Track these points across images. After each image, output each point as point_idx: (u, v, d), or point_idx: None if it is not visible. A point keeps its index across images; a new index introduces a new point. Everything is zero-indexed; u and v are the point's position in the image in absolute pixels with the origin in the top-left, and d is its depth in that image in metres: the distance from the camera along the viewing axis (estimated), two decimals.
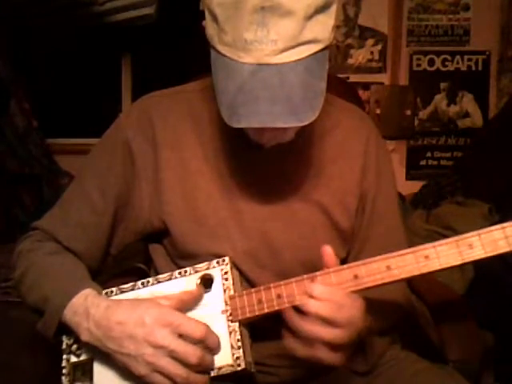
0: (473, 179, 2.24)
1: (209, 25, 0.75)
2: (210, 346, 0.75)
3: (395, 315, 0.92)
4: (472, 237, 0.73)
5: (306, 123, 0.70)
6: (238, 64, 0.70)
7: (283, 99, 0.69)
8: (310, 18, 0.70)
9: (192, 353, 0.72)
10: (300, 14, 0.69)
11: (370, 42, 2.72)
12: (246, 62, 0.70)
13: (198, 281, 0.81)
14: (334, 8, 0.73)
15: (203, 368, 0.74)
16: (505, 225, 0.72)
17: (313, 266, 0.84)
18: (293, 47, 0.70)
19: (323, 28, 0.72)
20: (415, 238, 1.93)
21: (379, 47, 2.72)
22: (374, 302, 0.86)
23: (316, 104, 0.70)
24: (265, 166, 0.88)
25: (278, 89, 0.69)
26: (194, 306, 0.78)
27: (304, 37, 0.70)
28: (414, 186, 2.49)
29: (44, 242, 0.89)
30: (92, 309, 0.76)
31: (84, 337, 0.77)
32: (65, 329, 0.80)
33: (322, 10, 0.71)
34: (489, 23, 2.67)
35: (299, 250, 0.87)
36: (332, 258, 0.76)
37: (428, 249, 0.74)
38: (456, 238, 0.73)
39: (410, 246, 0.78)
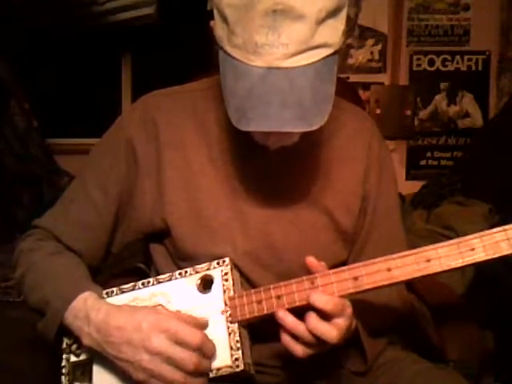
0: (473, 179, 2.24)
1: (218, 25, 0.74)
2: (205, 353, 0.75)
3: (391, 317, 0.92)
4: (473, 239, 0.72)
5: (316, 128, 0.69)
6: (247, 67, 0.70)
7: (293, 104, 0.68)
8: (321, 22, 0.70)
9: (189, 359, 0.72)
10: (311, 18, 0.68)
11: (370, 42, 2.72)
12: (256, 66, 0.69)
13: (198, 281, 0.81)
14: (344, 13, 0.73)
15: (200, 374, 0.74)
16: (506, 227, 0.72)
17: None
18: (303, 51, 0.69)
19: (333, 32, 0.72)
20: (415, 238, 1.93)
21: (379, 47, 2.72)
22: (369, 303, 0.87)
23: (325, 108, 0.70)
24: (269, 167, 0.88)
25: (288, 93, 0.69)
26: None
27: (315, 41, 0.69)
28: (414, 186, 2.49)
29: (45, 241, 0.89)
30: (92, 313, 0.77)
31: (85, 341, 0.77)
32: (65, 330, 0.80)
33: (332, 14, 0.71)
34: (489, 23, 2.67)
35: (301, 252, 0.86)
36: (319, 266, 0.77)
37: (429, 251, 0.74)
38: (457, 240, 0.73)
39: (409, 247, 0.77)
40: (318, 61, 0.70)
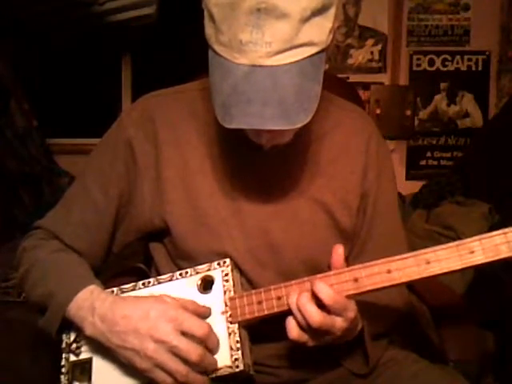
0: (473, 179, 2.24)
1: (206, 24, 0.75)
2: (209, 346, 0.75)
3: (392, 319, 0.92)
4: (473, 241, 0.73)
5: (298, 126, 0.70)
6: (232, 65, 0.70)
7: (275, 102, 0.69)
8: (306, 20, 0.69)
9: (193, 350, 0.72)
10: (295, 16, 0.68)
11: (370, 42, 2.72)
12: (240, 63, 0.70)
13: (199, 282, 0.81)
14: (332, 11, 0.73)
15: (203, 367, 0.74)
16: (506, 230, 0.72)
17: (314, 264, 0.84)
18: (287, 50, 0.69)
19: (320, 31, 0.72)
20: (415, 238, 1.93)
21: (379, 47, 2.72)
22: (370, 304, 0.87)
23: (309, 107, 0.70)
24: (266, 165, 0.88)
25: (271, 91, 0.69)
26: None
27: (299, 39, 0.70)
28: (414, 186, 2.49)
29: (47, 240, 0.90)
30: (97, 303, 0.77)
31: (88, 331, 0.77)
32: (67, 326, 0.81)
33: (319, 12, 0.71)
34: (489, 23, 2.67)
35: (300, 249, 0.87)
36: (340, 259, 0.76)
37: (428, 253, 0.74)
38: (457, 242, 0.73)
39: (409, 246, 0.78)
40: (303, 59, 0.70)
